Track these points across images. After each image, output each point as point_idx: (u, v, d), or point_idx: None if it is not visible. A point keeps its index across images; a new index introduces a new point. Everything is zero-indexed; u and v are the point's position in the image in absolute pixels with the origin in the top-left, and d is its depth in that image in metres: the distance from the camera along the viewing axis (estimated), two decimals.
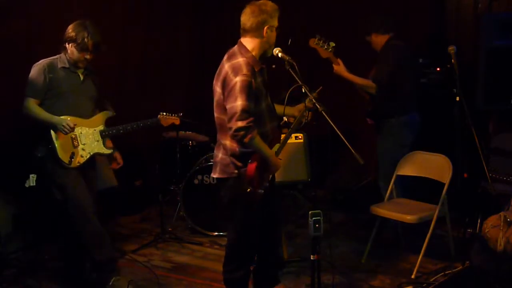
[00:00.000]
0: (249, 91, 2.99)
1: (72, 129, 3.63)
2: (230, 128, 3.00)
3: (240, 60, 3.07)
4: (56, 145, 3.60)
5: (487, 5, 5.00)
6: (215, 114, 3.20)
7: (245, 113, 2.96)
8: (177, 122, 4.25)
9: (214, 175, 3.30)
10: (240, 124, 2.95)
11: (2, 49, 4.26)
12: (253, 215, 3.25)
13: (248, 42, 3.14)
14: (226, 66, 3.09)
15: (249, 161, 3.11)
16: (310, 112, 3.26)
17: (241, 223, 3.31)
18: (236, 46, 3.17)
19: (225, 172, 3.21)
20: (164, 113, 4.17)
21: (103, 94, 3.90)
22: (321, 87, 3.37)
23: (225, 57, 3.17)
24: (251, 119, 2.98)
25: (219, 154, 3.24)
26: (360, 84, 4.29)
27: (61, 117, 3.62)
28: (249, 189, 3.09)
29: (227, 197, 3.27)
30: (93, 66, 3.81)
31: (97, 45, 3.59)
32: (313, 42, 4.07)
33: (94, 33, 3.57)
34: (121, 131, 3.87)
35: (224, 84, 3.06)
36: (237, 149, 3.13)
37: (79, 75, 3.71)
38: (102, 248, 3.70)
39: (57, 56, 3.68)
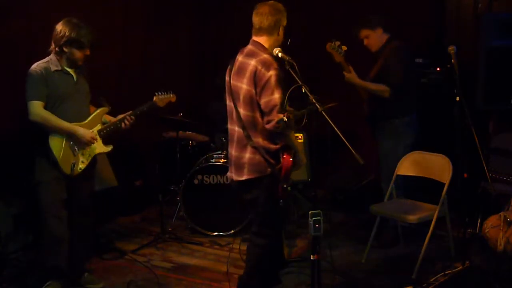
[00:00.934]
0: (281, 84, 3.05)
1: (96, 140, 3.64)
2: (269, 121, 3.04)
3: (266, 56, 3.11)
4: (57, 158, 3.51)
5: (487, 5, 5.00)
6: (243, 112, 3.15)
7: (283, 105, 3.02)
8: (174, 99, 4.06)
9: (241, 177, 3.20)
10: (281, 116, 2.98)
11: (2, 49, 4.26)
12: (281, 213, 3.27)
13: (264, 41, 3.19)
14: (252, 62, 3.09)
15: (282, 156, 3.12)
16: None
17: (274, 222, 3.32)
18: (251, 45, 3.21)
19: (256, 172, 3.17)
20: (159, 93, 4.01)
21: (97, 88, 3.84)
22: (335, 103, 3.37)
23: (241, 56, 3.19)
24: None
25: (246, 155, 3.18)
26: (374, 89, 4.28)
27: (79, 129, 3.56)
28: (285, 185, 3.10)
29: (262, 196, 3.22)
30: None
31: (94, 39, 3.57)
32: (330, 47, 4.09)
33: (87, 27, 3.54)
34: (119, 125, 3.77)
35: (255, 79, 3.07)
36: (270, 145, 3.14)
37: (72, 76, 3.62)
38: (50, 254, 3.61)
39: (47, 59, 3.55)
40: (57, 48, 3.54)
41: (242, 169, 3.20)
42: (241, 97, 3.15)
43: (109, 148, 3.80)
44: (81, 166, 3.65)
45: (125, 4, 5.54)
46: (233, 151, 3.26)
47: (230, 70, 3.23)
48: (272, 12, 3.15)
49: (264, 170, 3.16)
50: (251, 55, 3.16)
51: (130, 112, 3.82)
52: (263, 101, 3.07)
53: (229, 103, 3.26)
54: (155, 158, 5.61)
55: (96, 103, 3.82)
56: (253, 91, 3.10)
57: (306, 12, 6.03)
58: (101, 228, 4.81)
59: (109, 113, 3.87)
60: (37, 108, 3.46)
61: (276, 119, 2.99)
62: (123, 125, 3.79)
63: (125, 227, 5.10)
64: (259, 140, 3.15)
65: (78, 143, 3.60)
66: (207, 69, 6.48)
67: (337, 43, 4.08)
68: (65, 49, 3.53)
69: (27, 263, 4.10)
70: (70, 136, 3.57)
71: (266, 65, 3.06)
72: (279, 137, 3.14)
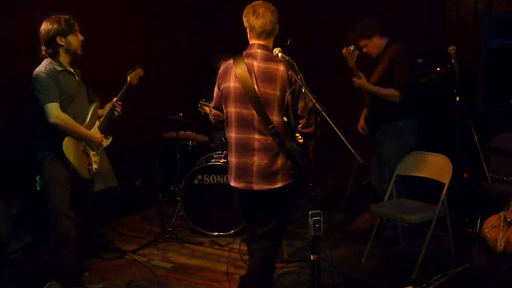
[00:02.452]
0: None
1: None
2: (310, 125, 3.08)
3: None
4: (76, 166, 3.51)
5: (487, 5, 5.00)
6: (277, 119, 3.06)
7: None
8: (141, 73, 4.11)
9: (275, 185, 3.10)
10: (315, 118, 3.03)
11: (2, 49, 4.26)
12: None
13: (269, 44, 3.16)
14: (280, 67, 3.04)
15: (308, 156, 3.17)
16: None
17: (286, 224, 3.42)
18: (261, 49, 3.11)
19: (289, 177, 3.13)
20: (129, 72, 4.04)
21: (96, 88, 3.85)
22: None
23: (255, 61, 3.07)
24: None
25: (278, 162, 3.10)
26: (384, 94, 4.25)
27: (95, 134, 3.63)
28: (310, 184, 3.14)
29: (290, 200, 3.27)
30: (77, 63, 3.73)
31: (78, 22, 3.58)
32: (346, 51, 4.10)
33: (64, 15, 3.53)
34: (112, 115, 3.80)
35: (290, 84, 3.04)
36: (300, 148, 3.16)
37: (75, 76, 3.61)
38: (60, 253, 3.59)
39: (47, 62, 3.50)
40: (50, 49, 3.50)
41: (274, 176, 3.11)
42: (275, 104, 3.05)
43: (110, 140, 3.84)
44: (95, 166, 3.71)
45: (125, 4, 5.54)
46: (255, 160, 3.11)
47: (237, 76, 3.07)
48: (273, 14, 3.10)
49: (294, 174, 3.15)
50: (271, 60, 3.08)
51: (115, 99, 3.86)
52: (300, 105, 3.05)
53: (240, 110, 3.11)
54: (155, 158, 5.61)
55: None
56: (288, 96, 3.04)
57: (305, 12, 6.04)
58: (101, 228, 4.81)
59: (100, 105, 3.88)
60: (56, 110, 3.42)
61: (315, 122, 3.04)
62: (115, 113, 3.84)
63: (125, 227, 5.10)
64: (294, 145, 3.13)
65: (92, 146, 3.66)
66: (207, 69, 6.48)
67: (352, 47, 4.08)
68: (60, 42, 3.49)
69: (27, 263, 4.10)
70: (84, 141, 3.59)
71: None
72: (307, 140, 3.17)
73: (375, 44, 4.36)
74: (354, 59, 4.15)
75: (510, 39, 4.44)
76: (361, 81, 4.25)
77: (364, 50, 4.41)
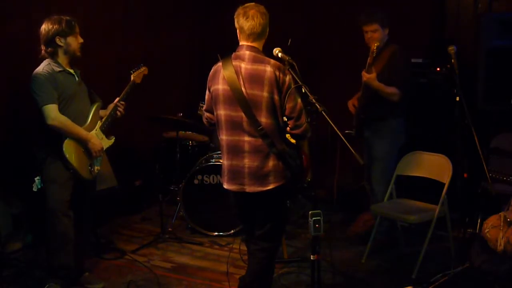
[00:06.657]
0: None
1: (103, 151, 3.69)
2: (298, 126, 3.07)
3: (274, 61, 3.08)
4: (76, 166, 3.50)
5: (487, 5, 5.01)
6: (265, 121, 3.04)
7: None
8: (146, 71, 4.11)
9: (267, 186, 3.10)
10: (306, 119, 3.04)
11: (2, 49, 4.26)
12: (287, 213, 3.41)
13: (258, 46, 3.14)
14: (268, 68, 3.02)
15: (300, 157, 3.18)
16: None
17: (284, 224, 3.42)
18: (250, 51, 3.09)
19: (282, 178, 3.12)
20: (133, 71, 4.04)
21: (96, 87, 3.84)
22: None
23: (243, 63, 3.06)
24: None
25: (269, 163, 3.09)
26: (386, 92, 4.20)
27: (93, 138, 3.59)
28: (305, 184, 3.16)
29: (284, 201, 3.29)
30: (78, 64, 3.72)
31: (78, 24, 3.57)
32: (374, 47, 4.10)
33: (65, 16, 3.53)
34: (114, 115, 3.79)
35: (278, 86, 3.02)
36: (291, 150, 3.16)
37: (74, 76, 3.60)
38: (59, 253, 3.58)
39: (46, 62, 3.49)
40: (50, 49, 3.49)
41: (265, 178, 3.10)
42: (263, 105, 3.04)
43: (112, 140, 3.82)
44: (97, 167, 3.70)
45: (125, 4, 5.54)
46: (246, 162, 3.11)
47: (225, 79, 3.08)
48: (263, 16, 3.08)
49: (287, 175, 3.14)
50: (259, 61, 3.06)
51: (118, 98, 3.84)
52: (288, 106, 3.04)
53: (229, 112, 3.10)
54: (155, 158, 5.61)
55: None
56: (276, 97, 3.03)
57: (306, 13, 6.04)
58: (101, 228, 4.81)
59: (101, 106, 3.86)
60: (54, 112, 3.41)
61: (305, 122, 3.04)
62: (118, 113, 3.82)
63: (125, 227, 5.10)
64: (283, 147, 3.12)
65: (88, 150, 3.61)
66: (207, 69, 6.47)
67: (377, 44, 4.07)
68: (59, 43, 3.48)
69: (27, 263, 4.10)
70: (83, 143, 3.57)
71: (281, 70, 3.03)
72: (298, 140, 3.17)
73: (383, 35, 4.31)
74: (374, 55, 4.15)
75: (510, 39, 4.44)
76: (372, 76, 4.20)
77: (369, 35, 4.31)
